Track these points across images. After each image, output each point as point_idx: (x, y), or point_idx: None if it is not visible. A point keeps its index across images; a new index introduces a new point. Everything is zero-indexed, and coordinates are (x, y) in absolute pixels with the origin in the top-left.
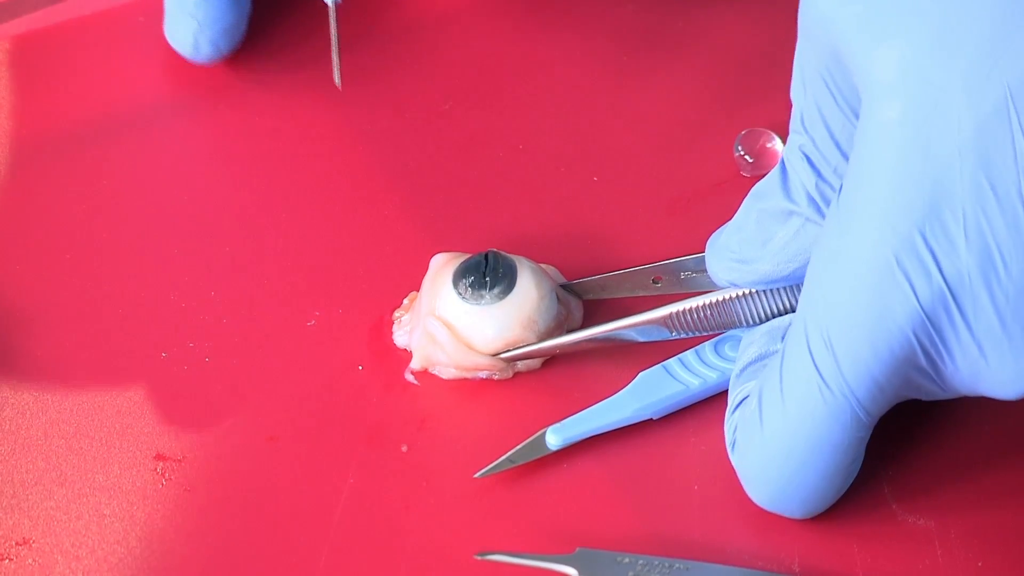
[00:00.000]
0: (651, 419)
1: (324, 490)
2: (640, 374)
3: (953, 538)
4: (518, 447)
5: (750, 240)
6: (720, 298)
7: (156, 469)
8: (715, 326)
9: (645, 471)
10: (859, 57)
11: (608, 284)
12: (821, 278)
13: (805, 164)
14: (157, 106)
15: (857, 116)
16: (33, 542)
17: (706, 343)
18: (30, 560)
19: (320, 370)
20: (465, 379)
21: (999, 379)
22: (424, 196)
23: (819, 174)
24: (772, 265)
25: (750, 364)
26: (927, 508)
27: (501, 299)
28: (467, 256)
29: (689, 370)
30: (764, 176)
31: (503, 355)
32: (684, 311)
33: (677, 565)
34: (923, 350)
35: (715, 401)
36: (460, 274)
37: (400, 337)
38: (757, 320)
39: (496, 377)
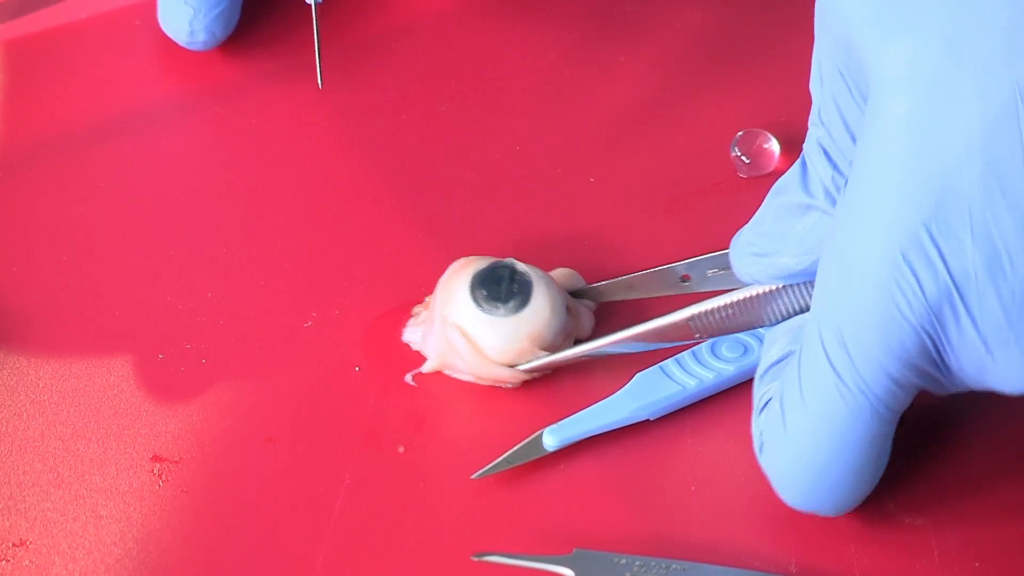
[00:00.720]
0: (648, 420)
1: (321, 491)
2: (637, 375)
3: (950, 539)
4: (515, 448)
5: (769, 234)
6: (743, 296)
7: (153, 470)
8: (739, 325)
9: (642, 472)
10: (871, 51)
11: (635, 284)
12: (830, 275)
13: (822, 157)
14: (153, 108)
15: None
16: (30, 543)
17: (702, 344)
18: (27, 561)
19: (317, 371)
20: (461, 380)
21: (1005, 375)
22: (421, 197)
23: (835, 167)
24: (792, 258)
25: (773, 364)
26: (924, 509)
27: (514, 313)
28: (486, 261)
29: (686, 371)
30: (760, 176)
31: (521, 367)
32: (707, 311)
33: (674, 566)
34: (933, 345)
35: (712, 402)
36: (478, 283)
37: (410, 333)
38: (781, 317)
39: (507, 386)
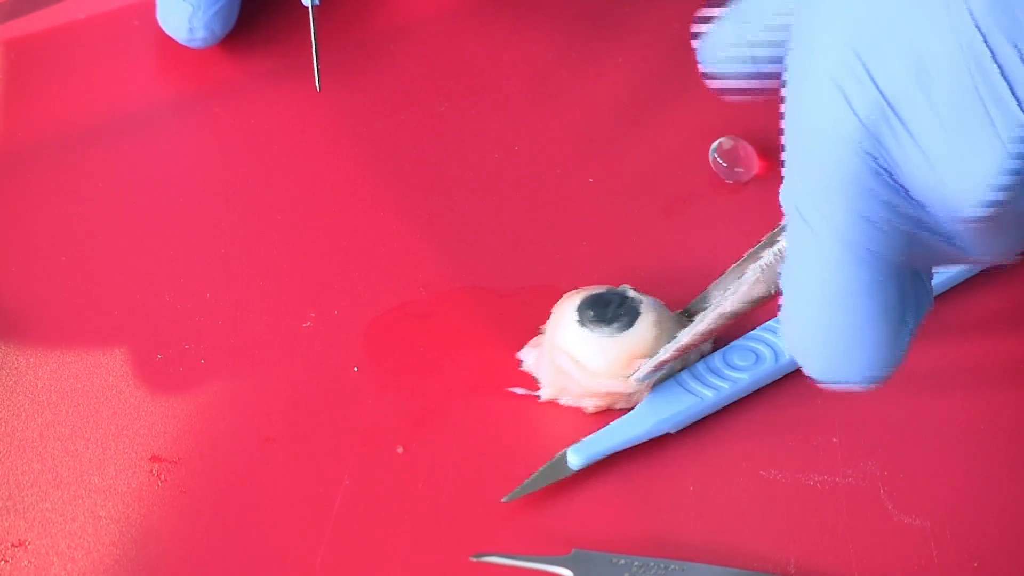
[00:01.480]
0: (669, 433)
1: (320, 492)
2: (655, 388)
3: (949, 538)
4: (540, 470)
5: (732, 14)
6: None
7: (152, 471)
8: None
9: (641, 472)
10: None
11: (712, 294)
12: (788, 140)
13: None
14: (152, 108)
15: None
16: (29, 544)
17: (714, 353)
18: (26, 562)
19: (316, 371)
20: (460, 380)
21: (956, 189)
22: (420, 197)
23: None
24: (761, 30)
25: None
26: (923, 508)
27: (618, 334)
28: (599, 289)
29: (702, 382)
30: (747, 182)
31: (634, 376)
32: (775, 256)
33: (673, 566)
34: (882, 168)
35: None
36: (587, 304)
37: (526, 353)
38: None
39: (621, 405)
